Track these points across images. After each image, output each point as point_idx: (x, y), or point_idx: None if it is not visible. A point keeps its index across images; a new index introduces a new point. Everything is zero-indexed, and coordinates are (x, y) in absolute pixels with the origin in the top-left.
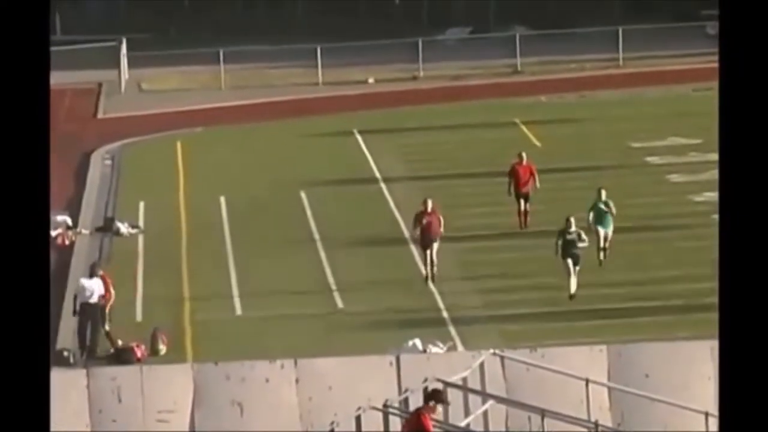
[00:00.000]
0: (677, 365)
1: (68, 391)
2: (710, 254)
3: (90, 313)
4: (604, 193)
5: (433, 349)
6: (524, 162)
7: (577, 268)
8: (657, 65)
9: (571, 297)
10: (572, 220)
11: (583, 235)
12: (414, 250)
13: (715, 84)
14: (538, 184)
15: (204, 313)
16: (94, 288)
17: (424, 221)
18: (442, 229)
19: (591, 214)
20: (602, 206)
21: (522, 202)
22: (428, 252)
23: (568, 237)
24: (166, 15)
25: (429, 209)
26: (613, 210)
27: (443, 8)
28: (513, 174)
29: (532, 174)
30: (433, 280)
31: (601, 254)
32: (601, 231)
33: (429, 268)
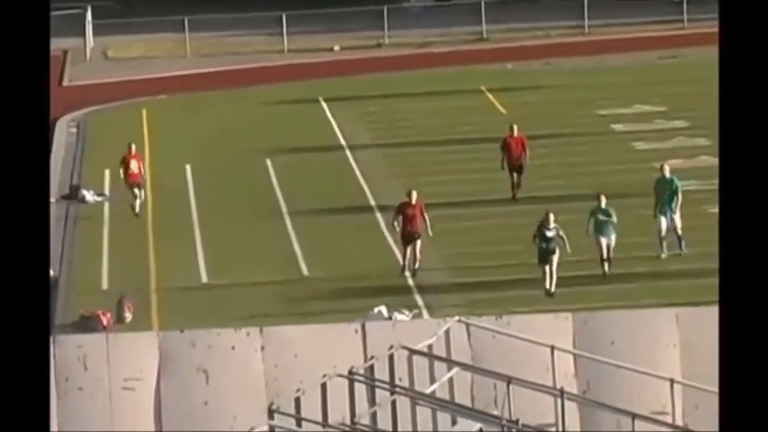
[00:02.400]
0: (642, 333)
1: None
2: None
3: None
4: (603, 200)
5: (399, 317)
6: (515, 134)
7: (555, 261)
8: (623, 33)
9: (550, 294)
10: (551, 215)
11: (561, 232)
12: (380, 217)
13: (679, 51)
14: (528, 159)
15: (170, 281)
16: None
17: (408, 213)
18: (428, 225)
19: (590, 223)
20: (601, 215)
21: (515, 174)
22: (409, 248)
23: (548, 235)
24: None
25: (413, 201)
26: (614, 218)
27: None
28: (505, 147)
29: (523, 146)
30: (413, 275)
31: (606, 266)
32: (603, 241)
33: (411, 263)
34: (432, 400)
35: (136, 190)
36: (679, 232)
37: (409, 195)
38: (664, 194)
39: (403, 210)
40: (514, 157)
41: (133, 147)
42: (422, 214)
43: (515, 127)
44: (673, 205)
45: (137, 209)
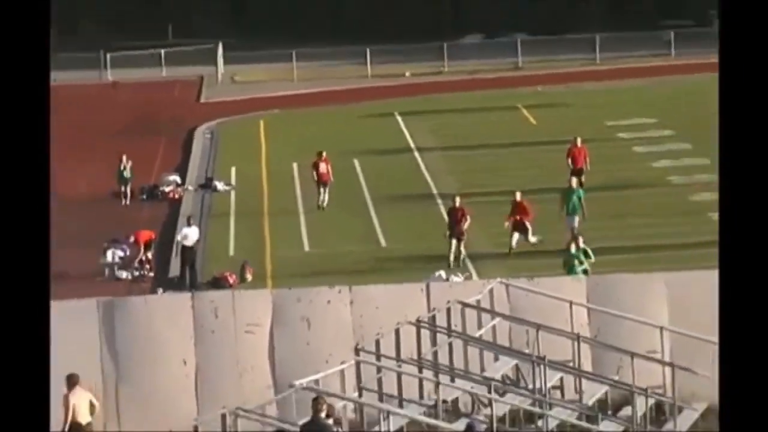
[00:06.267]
0: (640, 291)
1: (177, 311)
2: (664, 208)
3: (188, 255)
4: (581, 241)
5: (455, 279)
6: (579, 144)
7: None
8: (626, 63)
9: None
10: (573, 245)
11: (590, 252)
12: (440, 202)
13: (667, 78)
14: (588, 166)
15: (280, 250)
16: (191, 235)
17: (454, 215)
18: (466, 224)
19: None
20: (575, 260)
21: (575, 178)
22: (454, 244)
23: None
24: (252, 26)
25: (457, 205)
26: (587, 265)
27: (463, 19)
28: (570, 154)
29: (585, 156)
30: (458, 267)
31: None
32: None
33: (456, 256)
34: (479, 342)
35: (322, 189)
36: (576, 231)
37: (454, 200)
38: (570, 200)
39: (450, 213)
40: (577, 163)
41: (324, 153)
42: (464, 216)
43: (578, 139)
44: (579, 211)
45: (324, 204)
